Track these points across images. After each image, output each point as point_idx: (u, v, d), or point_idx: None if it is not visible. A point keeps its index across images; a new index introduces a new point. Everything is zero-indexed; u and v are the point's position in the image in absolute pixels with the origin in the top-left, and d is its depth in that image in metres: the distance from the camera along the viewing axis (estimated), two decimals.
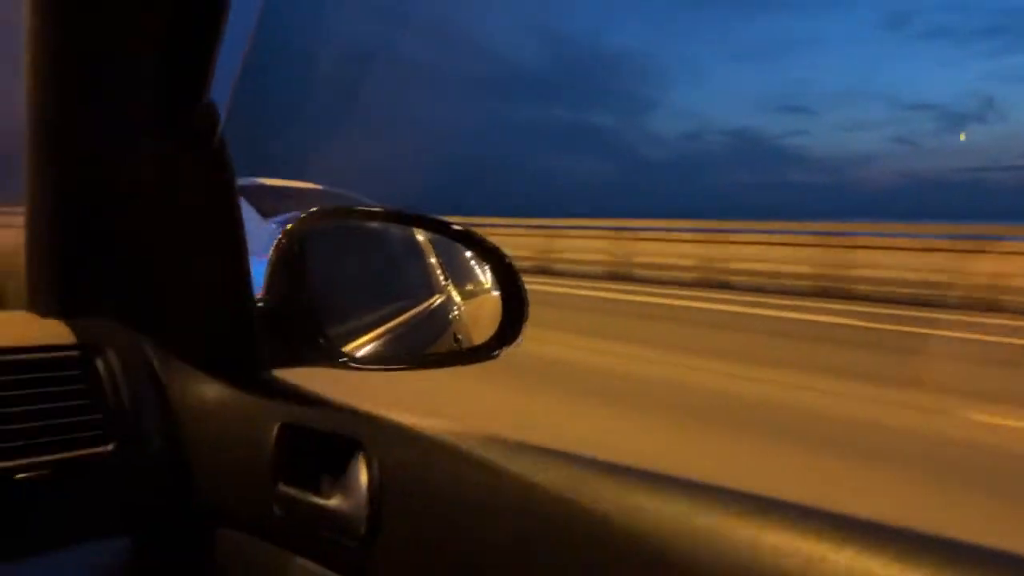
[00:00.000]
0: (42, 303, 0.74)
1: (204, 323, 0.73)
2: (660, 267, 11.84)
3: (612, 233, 13.21)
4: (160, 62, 0.60)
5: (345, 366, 0.69)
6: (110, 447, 0.66)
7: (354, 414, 0.66)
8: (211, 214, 0.70)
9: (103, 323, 0.72)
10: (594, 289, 10.64)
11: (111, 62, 0.60)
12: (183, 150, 0.66)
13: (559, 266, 13.02)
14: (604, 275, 12.35)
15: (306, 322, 0.70)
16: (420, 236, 1.09)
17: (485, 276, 0.83)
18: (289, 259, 0.70)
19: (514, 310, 0.73)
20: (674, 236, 12.28)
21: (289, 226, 0.70)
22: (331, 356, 0.70)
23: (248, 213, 4.97)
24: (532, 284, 0.73)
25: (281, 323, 0.69)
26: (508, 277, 0.74)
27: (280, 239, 0.69)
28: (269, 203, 5.25)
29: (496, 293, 0.75)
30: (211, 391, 0.71)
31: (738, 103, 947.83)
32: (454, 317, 1.10)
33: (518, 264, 0.74)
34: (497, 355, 0.72)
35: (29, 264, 0.74)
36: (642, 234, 12.85)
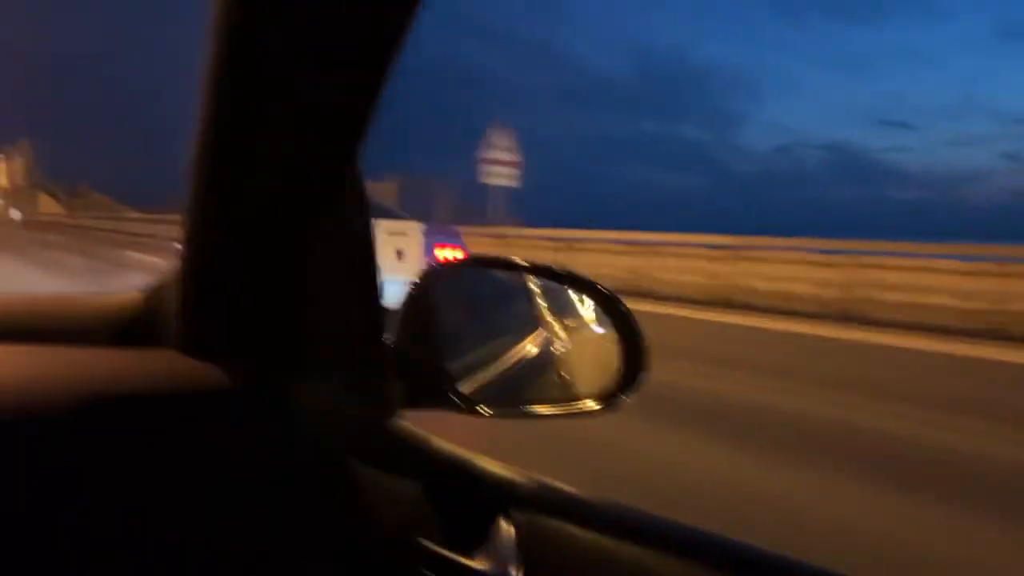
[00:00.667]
0: (191, 342, 0.73)
1: (343, 366, 0.73)
2: (783, 296, 10.41)
3: (717, 252, 11.85)
4: (320, 123, 0.62)
5: (475, 413, 0.73)
6: None
7: (494, 466, 0.69)
8: (351, 258, 0.73)
9: (250, 364, 0.71)
10: (695, 312, 9.48)
11: (275, 123, 0.61)
12: (330, 199, 0.68)
13: (659, 289, 11.77)
14: (706, 301, 11.07)
15: (433, 366, 0.73)
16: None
17: (585, 311, 0.87)
18: (419, 304, 0.74)
19: (633, 360, 0.76)
20: (791, 257, 10.83)
21: (421, 273, 0.75)
22: (460, 402, 0.73)
23: None
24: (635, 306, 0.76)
25: (410, 367, 0.72)
26: (627, 326, 0.76)
27: (413, 284, 0.74)
28: None
29: (598, 330, 0.81)
30: (350, 436, 0.73)
31: (833, 116, 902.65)
32: (557, 354, 1.07)
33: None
34: (618, 406, 0.76)
35: (183, 302, 0.73)
36: (748, 253, 11.45)
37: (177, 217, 0.71)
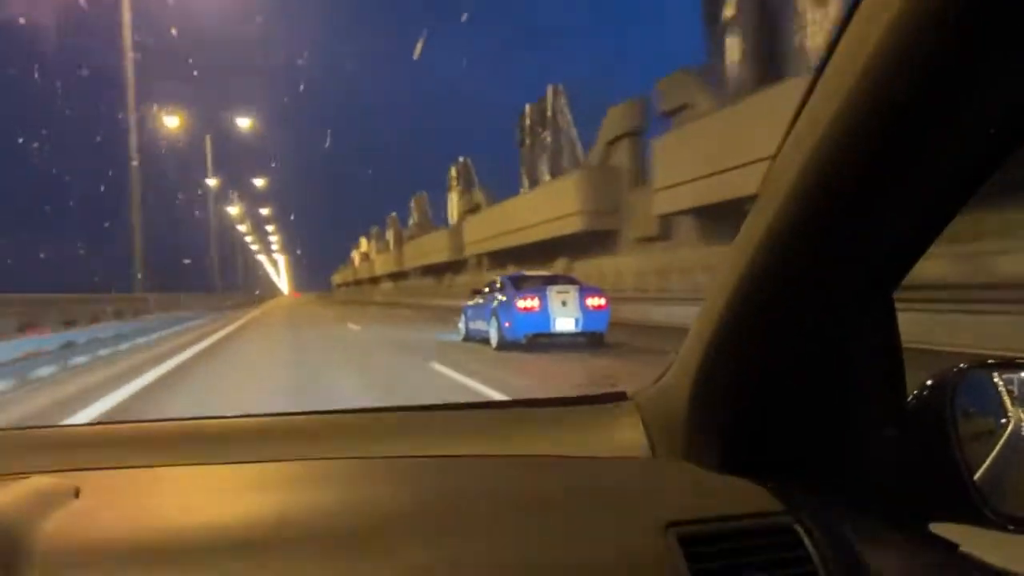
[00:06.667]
0: (704, 454, 0.72)
1: (871, 481, 0.67)
2: None
3: None
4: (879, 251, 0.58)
5: (1007, 529, 0.62)
6: None
7: None
8: (876, 379, 0.67)
9: (785, 481, 0.68)
10: None
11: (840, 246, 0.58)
12: (861, 321, 0.65)
13: None
14: None
15: (957, 476, 0.63)
16: None
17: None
18: (935, 412, 0.64)
19: None
20: None
21: (934, 377, 0.67)
22: (992, 515, 0.62)
23: (511, 291, 9.61)
24: None
25: (932, 479, 0.64)
26: None
27: (927, 385, 0.66)
28: (525, 285, 10.09)
29: None
30: (894, 558, 0.64)
31: None
32: None
33: None
34: None
35: (696, 409, 0.72)
36: None
37: None
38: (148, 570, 0.58)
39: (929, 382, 0.66)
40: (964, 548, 0.64)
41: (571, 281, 11.36)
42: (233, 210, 51.87)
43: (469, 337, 11.85)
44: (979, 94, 0.47)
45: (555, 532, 0.64)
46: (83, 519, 0.64)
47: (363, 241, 78.28)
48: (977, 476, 0.64)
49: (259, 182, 63.93)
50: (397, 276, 59.47)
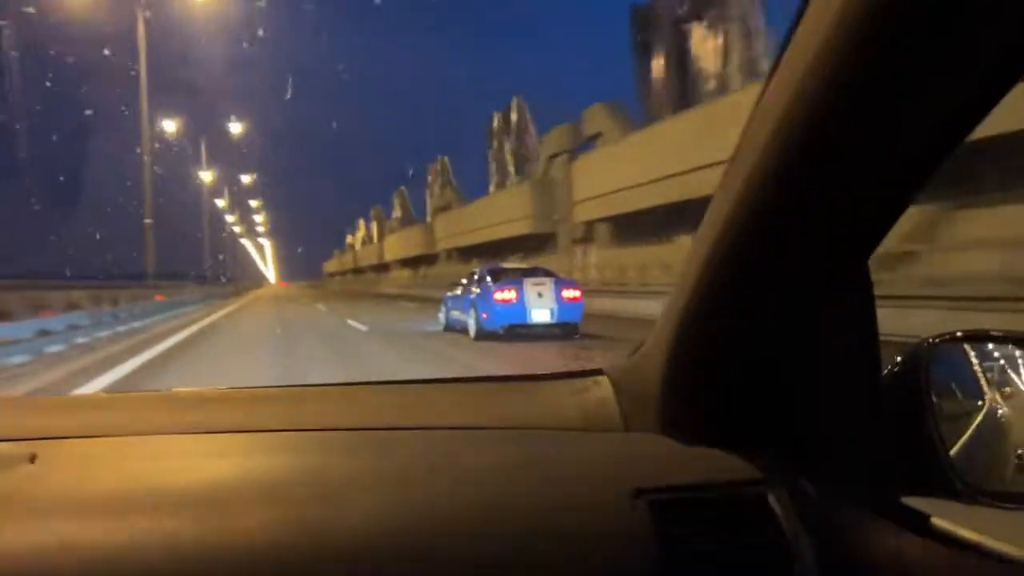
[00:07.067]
0: (678, 426, 0.72)
1: (842, 457, 0.67)
2: None
3: None
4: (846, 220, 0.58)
5: (978, 502, 0.61)
6: None
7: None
8: (852, 348, 0.67)
9: (756, 452, 0.68)
10: None
11: (812, 209, 0.57)
12: (837, 290, 0.65)
13: None
14: None
15: (931, 450, 0.62)
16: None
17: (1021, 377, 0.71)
18: (908, 383, 0.65)
19: None
20: None
21: (907, 351, 0.66)
22: (963, 488, 0.62)
23: (489, 283, 9.74)
24: None
25: (906, 452, 0.64)
26: None
27: (901, 359, 0.66)
28: (502, 277, 10.32)
29: None
30: (868, 530, 0.63)
31: None
32: (1006, 426, 0.88)
33: None
34: None
35: (668, 383, 0.72)
36: None
37: None
38: (100, 531, 0.58)
39: (904, 354, 0.66)
40: (936, 520, 0.63)
41: (547, 274, 11.49)
42: (207, 175, 45.27)
43: (450, 327, 11.92)
44: (940, 65, 0.47)
45: (523, 499, 0.64)
46: (36, 483, 0.66)
47: (361, 225, 76.73)
48: (953, 450, 0.64)
49: (247, 178, 59.63)
50: (379, 268, 60.44)
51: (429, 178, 48.52)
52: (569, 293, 10.58)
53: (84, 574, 0.56)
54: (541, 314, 10.26)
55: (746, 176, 0.58)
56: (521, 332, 10.19)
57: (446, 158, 46.90)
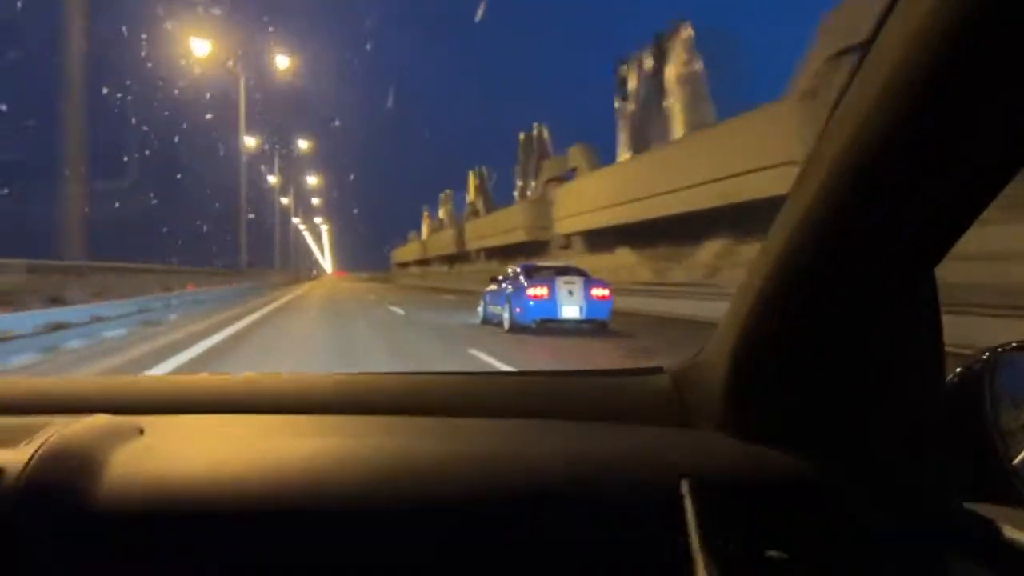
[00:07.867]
0: (737, 424, 0.73)
1: (907, 459, 0.68)
2: None
3: None
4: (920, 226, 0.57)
5: None
6: None
7: None
8: (916, 355, 0.67)
9: (812, 452, 0.69)
10: None
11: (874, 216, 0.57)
12: (902, 295, 0.65)
13: None
14: None
15: (995, 456, 0.63)
16: None
17: None
18: (973, 389, 0.65)
19: None
20: None
21: (975, 358, 0.66)
22: (1021, 496, 0.61)
23: (523, 280, 10.58)
24: None
25: (968, 457, 0.64)
26: None
27: (965, 366, 0.67)
28: (536, 275, 11.72)
29: None
30: (926, 534, 0.65)
31: None
32: None
33: None
34: None
35: (729, 382, 0.72)
36: None
37: None
38: (207, 504, 0.64)
39: (968, 362, 0.67)
40: (999, 526, 0.62)
41: (579, 273, 12.08)
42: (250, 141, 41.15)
43: (487, 320, 12.61)
44: (1018, 73, 0.46)
45: (582, 487, 0.67)
46: (147, 453, 0.70)
47: (425, 216, 73.40)
48: (1016, 459, 0.63)
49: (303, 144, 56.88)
50: (453, 259, 60.02)
51: (468, 185, 53.54)
52: (598, 292, 11.23)
53: (194, 538, 0.63)
54: (571, 311, 10.92)
55: (818, 184, 0.58)
56: (551, 327, 10.87)
57: (484, 167, 53.14)
